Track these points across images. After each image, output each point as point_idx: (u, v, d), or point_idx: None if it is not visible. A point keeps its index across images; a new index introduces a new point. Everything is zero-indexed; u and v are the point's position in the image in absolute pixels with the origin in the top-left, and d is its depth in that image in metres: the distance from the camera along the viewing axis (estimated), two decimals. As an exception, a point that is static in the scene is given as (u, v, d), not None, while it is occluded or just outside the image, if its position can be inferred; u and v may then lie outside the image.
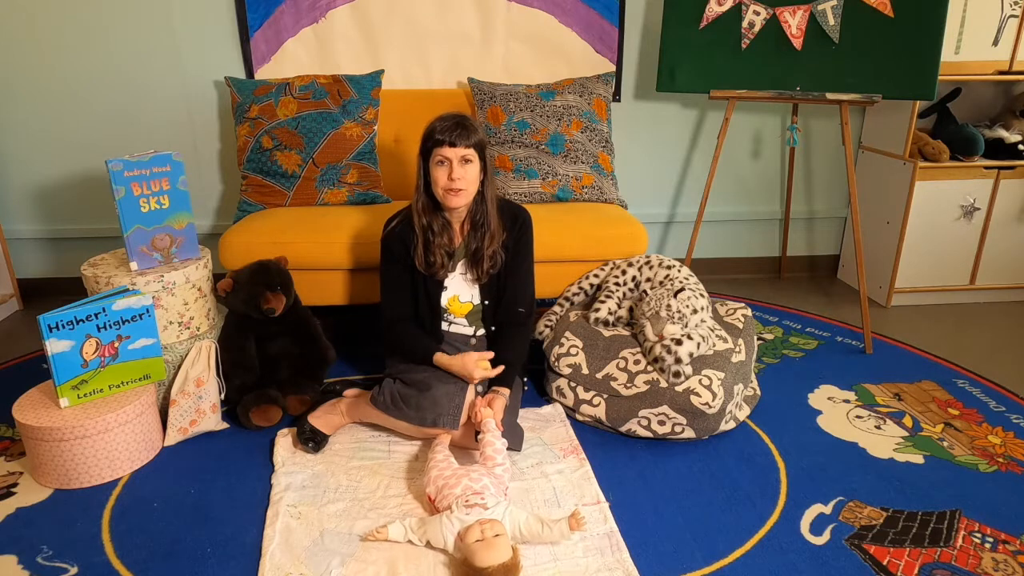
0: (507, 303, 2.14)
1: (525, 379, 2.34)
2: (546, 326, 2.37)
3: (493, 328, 2.17)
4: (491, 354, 2.05)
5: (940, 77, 2.61)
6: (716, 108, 3.29)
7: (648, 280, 2.35)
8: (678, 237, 3.51)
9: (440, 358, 2.04)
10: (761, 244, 3.59)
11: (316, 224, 2.47)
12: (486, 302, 2.14)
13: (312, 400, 2.21)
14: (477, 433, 1.93)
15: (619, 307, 2.30)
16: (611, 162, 2.88)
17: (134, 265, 2.14)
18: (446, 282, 2.12)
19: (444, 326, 2.16)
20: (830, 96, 2.70)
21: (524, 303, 2.15)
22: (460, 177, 1.95)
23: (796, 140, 3.03)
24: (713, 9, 2.74)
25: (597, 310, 2.29)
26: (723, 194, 3.43)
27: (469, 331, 2.18)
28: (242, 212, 2.69)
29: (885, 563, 1.63)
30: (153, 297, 2.07)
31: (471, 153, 1.96)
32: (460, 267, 2.12)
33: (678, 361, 2.05)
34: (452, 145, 1.93)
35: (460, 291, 2.13)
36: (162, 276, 2.12)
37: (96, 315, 1.92)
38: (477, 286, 2.13)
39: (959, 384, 2.47)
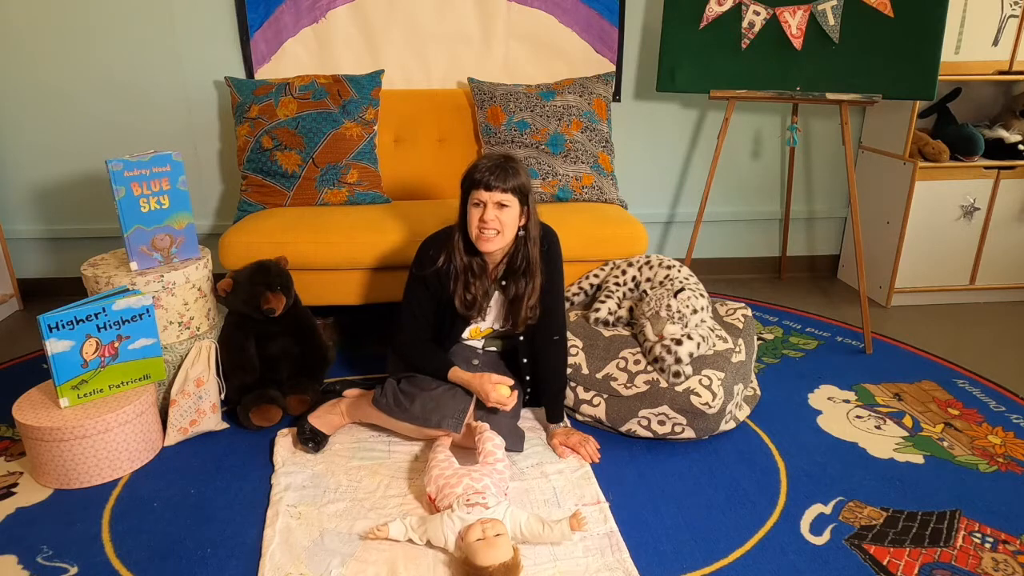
0: (544, 334, 2.07)
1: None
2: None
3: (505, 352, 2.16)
4: (510, 380, 2.00)
5: (940, 77, 2.61)
6: (716, 108, 3.29)
7: (648, 280, 2.35)
8: (678, 237, 3.51)
9: (456, 373, 1.99)
10: (761, 244, 3.59)
11: (316, 224, 2.47)
12: (498, 327, 2.12)
13: (312, 400, 2.21)
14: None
15: (619, 307, 2.30)
16: (611, 162, 2.88)
17: (134, 265, 2.14)
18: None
19: None
20: (830, 96, 2.69)
21: (559, 330, 2.09)
22: (493, 219, 1.87)
23: (796, 140, 3.03)
24: (713, 9, 2.74)
25: (597, 310, 2.29)
26: (723, 194, 3.43)
27: (477, 345, 2.17)
28: (242, 212, 2.69)
29: (885, 563, 1.63)
30: (153, 297, 2.07)
31: (508, 198, 1.87)
32: (492, 303, 2.07)
33: (678, 361, 2.05)
34: (488, 189, 1.85)
35: (483, 323, 2.11)
36: (162, 276, 2.12)
37: (96, 315, 1.92)
38: (500, 320, 2.09)
39: (959, 384, 2.47)
